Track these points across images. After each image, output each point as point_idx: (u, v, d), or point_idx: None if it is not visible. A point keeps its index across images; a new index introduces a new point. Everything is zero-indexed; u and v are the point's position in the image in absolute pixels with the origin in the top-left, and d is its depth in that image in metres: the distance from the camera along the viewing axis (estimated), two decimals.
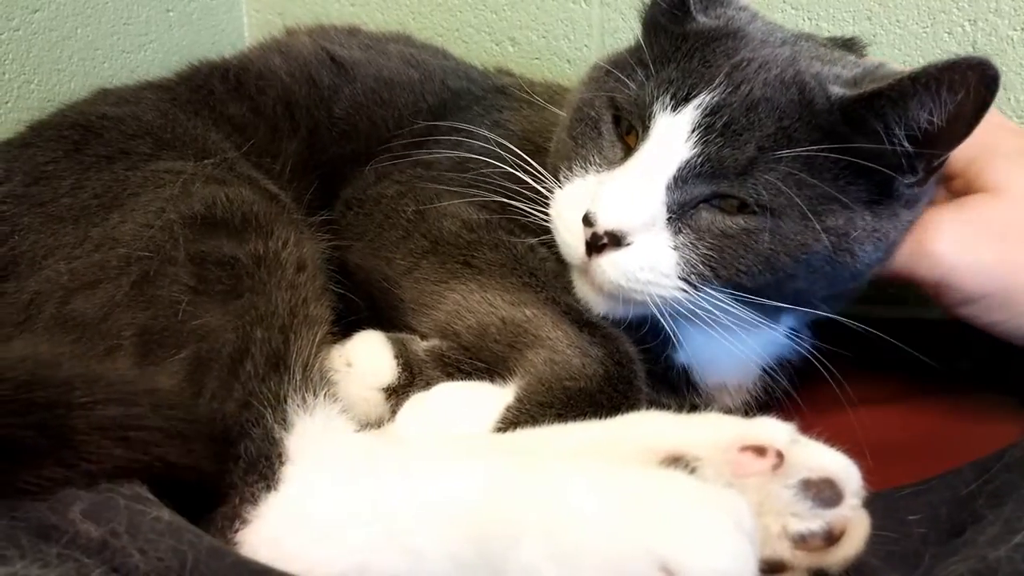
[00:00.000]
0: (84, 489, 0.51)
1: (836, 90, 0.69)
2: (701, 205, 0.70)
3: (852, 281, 0.74)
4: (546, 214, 0.76)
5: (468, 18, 1.35)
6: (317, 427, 0.59)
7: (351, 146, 0.93)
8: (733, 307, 0.70)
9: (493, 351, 0.72)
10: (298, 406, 0.59)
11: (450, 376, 0.73)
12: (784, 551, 0.54)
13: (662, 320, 0.72)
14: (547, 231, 0.77)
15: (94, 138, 0.78)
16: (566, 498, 0.51)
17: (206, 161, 0.75)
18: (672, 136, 0.70)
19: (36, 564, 0.44)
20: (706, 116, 0.69)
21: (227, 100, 0.91)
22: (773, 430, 0.58)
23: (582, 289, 0.75)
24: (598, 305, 0.74)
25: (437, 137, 0.89)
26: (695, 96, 0.70)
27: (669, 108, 0.70)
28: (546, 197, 0.77)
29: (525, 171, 0.78)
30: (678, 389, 0.80)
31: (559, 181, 0.77)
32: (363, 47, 1.02)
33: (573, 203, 0.73)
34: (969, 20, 1.03)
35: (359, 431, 0.63)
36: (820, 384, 0.76)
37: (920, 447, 0.77)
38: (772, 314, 0.72)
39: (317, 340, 0.65)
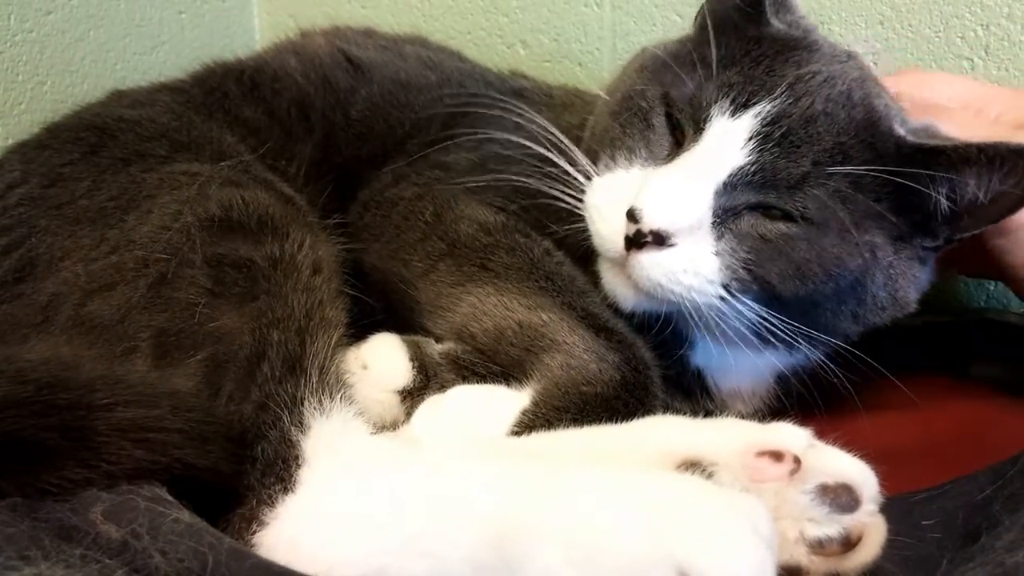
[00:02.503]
0: (105, 490, 0.51)
1: (900, 130, 0.71)
2: (744, 211, 0.70)
3: (855, 318, 0.74)
4: (579, 200, 0.75)
5: (479, 21, 1.36)
6: (334, 429, 0.59)
7: (367, 148, 0.93)
8: (759, 323, 0.70)
9: (509, 354, 0.72)
10: (314, 408, 0.59)
11: (465, 379, 0.73)
12: (801, 556, 0.54)
13: (689, 321, 0.71)
14: (576, 219, 0.76)
15: (110, 140, 0.78)
16: (584, 502, 0.51)
17: (222, 163, 0.75)
18: (727, 141, 0.69)
19: (60, 565, 0.45)
20: (765, 125, 0.69)
21: (242, 103, 0.91)
22: (790, 435, 0.58)
23: (612, 282, 0.74)
24: (627, 300, 0.73)
25: (456, 139, 0.89)
26: (755, 104, 0.70)
27: (728, 113, 0.70)
28: (578, 183, 0.76)
29: (560, 154, 0.77)
30: (692, 393, 0.80)
31: (596, 167, 0.76)
32: (379, 48, 1.02)
33: (614, 194, 0.72)
34: (982, 25, 1.03)
35: (375, 433, 0.63)
36: (834, 390, 0.76)
37: (934, 452, 0.77)
38: (789, 338, 0.71)
39: (333, 343, 0.65)
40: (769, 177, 0.68)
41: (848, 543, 0.54)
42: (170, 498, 0.52)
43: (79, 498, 0.50)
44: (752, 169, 0.68)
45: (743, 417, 0.80)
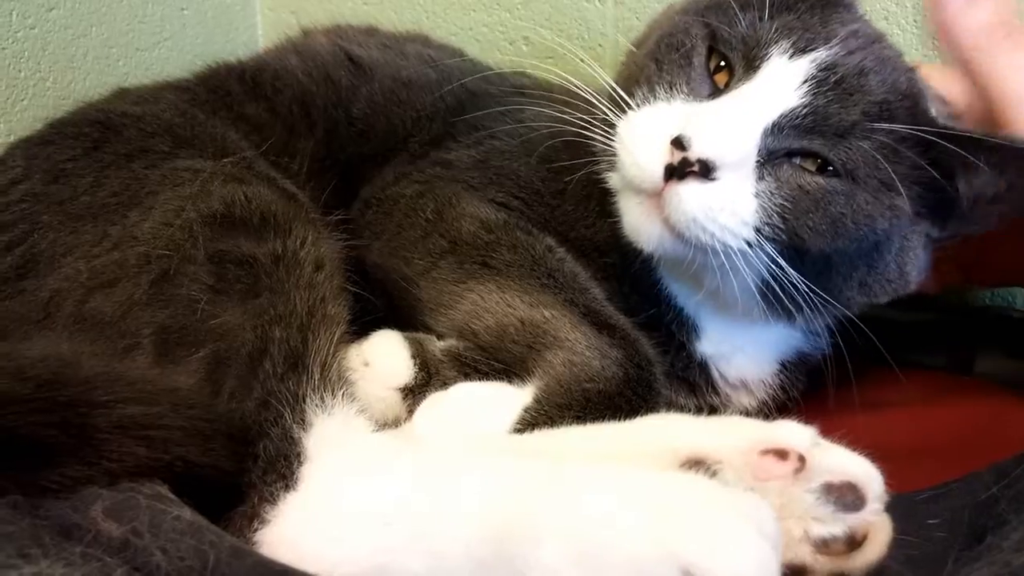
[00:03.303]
0: (105, 488, 0.51)
1: (933, 112, 0.72)
2: (784, 158, 0.69)
3: (863, 286, 0.74)
4: (608, 136, 0.74)
5: (482, 17, 1.35)
6: (335, 427, 0.59)
7: (368, 146, 0.92)
8: (771, 279, 0.69)
9: (511, 352, 0.72)
10: (316, 406, 0.59)
11: (467, 376, 0.73)
12: (806, 555, 0.54)
13: (702, 271, 0.71)
14: (588, 153, 0.75)
15: (113, 136, 0.78)
16: (588, 501, 0.51)
17: (225, 160, 0.75)
18: (782, 81, 0.69)
19: (60, 563, 0.44)
20: (821, 71, 0.69)
21: (244, 100, 0.91)
22: (794, 433, 0.58)
23: (638, 219, 0.72)
24: (651, 239, 0.71)
25: (457, 136, 0.89)
26: (812, 50, 0.70)
27: (788, 54, 0.70)
28: (604, 117, 0.74)
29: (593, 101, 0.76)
30: (697, 387, 0.81)
31: (630, 103, 0.74)
32: (381, 47, 1.02)
33: (655, 124, 0.70)
34: None
35: (376, 431, 0.62)
36: (839, 387, 0.76)
37: (939, 450, 0.77)
38: (795, 301, 0.71)
39: (335, 340, 0.65)
40: (819, 122, 0.68)
41: (853, 542, 0.54)
42: (171, 496, 0.52)
43: (80, 496, 0.50)
44: (803, 112, 0.68)
45: (748, 412, 0.81)
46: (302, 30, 1.11)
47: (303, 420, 0.58)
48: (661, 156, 0.68)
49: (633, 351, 0.71)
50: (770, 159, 0.69)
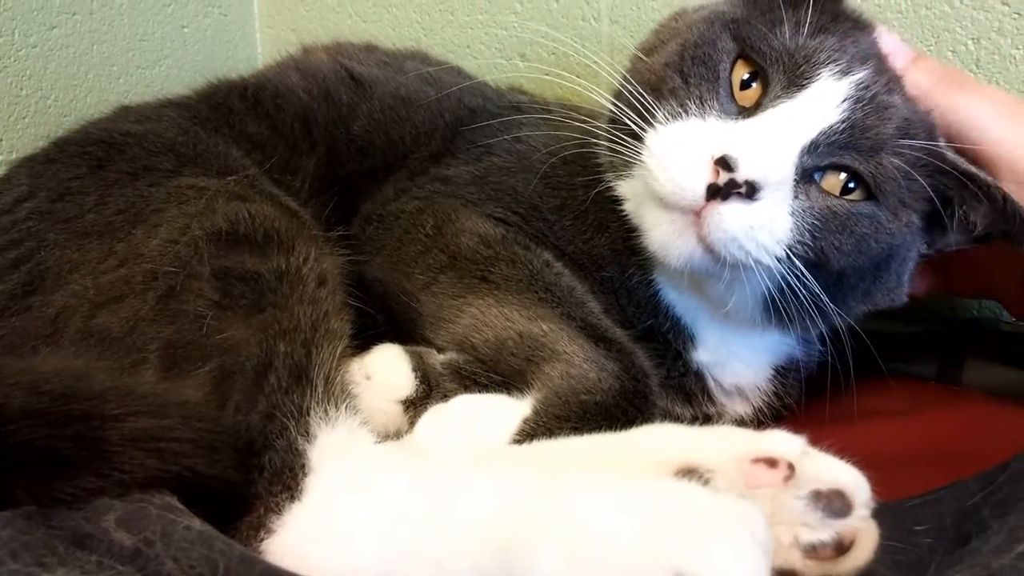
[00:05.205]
0: (117, 499, 0.52)
1: (942, 142, 0.74)
2: (817, 176, 0.71)
3: (865, 295, 0.76)
4: (622, 143, 0.74)
5: (479, 35, 1.37)
6: (339, 439, 0.60)
7: (369, 162, 0.94)
8: (785, 290, 0.70)
9: (510, 364, 0.73)
10: (320, 418, 0.60)
11: (467, 389, 0.74)
12: (795, 560, 0.55)
13: (719, 286, 0.73)
14: (590, 165, 0.77)
15: (117, 155, 0.79)
16: (585, 509, 0.52)
17: (228, 178, 0.76)
18: (825, 100, 0.70)
19: (76, 571, 0.46)
20: (859, 89, 0.71)
21: (246, 118, 0.92)
22: (784, 442, 0.59)
23: (667, 234, 0.71)
24: (680, 255, 0.71)
25: (456, 152, 0.90)
26: (853, 73, 0.72)
27: (836, 75, 0.71)
28: (626, 129, 0.74)
29: (619, 106, 0.76)
30: (692, 396, 0.82)
31: (656, 115, 0.73)
32: (380, 64, 1.03)
33: (692, 142, 0.70)
34: (972, 39, 1.05)
35: (379, 442, 0.64)
36: (829, 396, 0.77)
37: (926, 458, 0.78)
38: (801, 310, 0.72)
39: (338, 353, 0.66)
40: (856, 136, 0.70)
41: (841, 547, 0.55)
42: (181, 506, 0.53)
43: (92, 506, 0.51)
44: (841, 127, 0.70)
45: (744, 420, 0.83)
46: (302, 47, 1.12)
47: (307, 432, 0.59)
48: (703, 175, 0.68)
49: (629, 363, 0.72)
50: (804, 177, 0.70)
